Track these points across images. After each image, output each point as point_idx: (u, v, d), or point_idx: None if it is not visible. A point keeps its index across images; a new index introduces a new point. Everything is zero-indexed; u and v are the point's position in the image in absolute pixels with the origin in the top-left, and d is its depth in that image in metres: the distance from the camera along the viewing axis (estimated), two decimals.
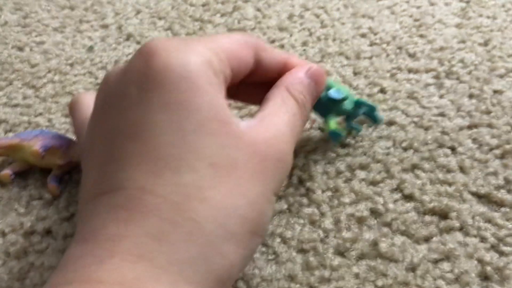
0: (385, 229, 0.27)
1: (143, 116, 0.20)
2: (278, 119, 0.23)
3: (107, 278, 0.17)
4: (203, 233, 0.19)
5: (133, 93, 0.20)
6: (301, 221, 0.28)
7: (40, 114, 0.35)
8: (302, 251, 0.27)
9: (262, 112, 0.23)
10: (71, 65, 0.40)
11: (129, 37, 0.42)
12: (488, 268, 0.25)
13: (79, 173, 0.31)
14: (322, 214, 0.28)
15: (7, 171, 0.31)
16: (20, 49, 0.41)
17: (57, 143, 0.30)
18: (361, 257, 0.26)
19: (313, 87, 0.26)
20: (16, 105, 0.36)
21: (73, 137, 0.32)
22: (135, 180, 0.19)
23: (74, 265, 0.18)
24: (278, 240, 0.27)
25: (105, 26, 0.44)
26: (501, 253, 0.26)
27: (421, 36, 0.41)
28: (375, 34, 0.41)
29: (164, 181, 0.19)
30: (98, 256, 0.18)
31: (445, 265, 0.25)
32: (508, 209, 0.28)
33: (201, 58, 0.21)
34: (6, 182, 0.31)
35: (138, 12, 0.45)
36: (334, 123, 0.30)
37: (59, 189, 0.30)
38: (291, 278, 0.25)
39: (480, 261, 0.25)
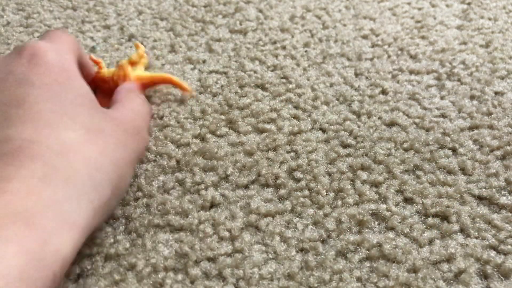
0: (389, 232, 0.27)
1: (27, 91, 0.25)
2: (133, 104, 0.31)
3: None
4: (77, 179, 0.23)
5: (18, 78, 0.26)
6: (305, 221, 0.28)
7: None
8: (302, 250, 0.27)
9: (117, 103, 0.30)
10: None
11: (131, 37, 0.42)
12: (488, 267, 0.25)
13: None
14: (325, 215, 0.28)
15: None
16: None
17: None
18: (363, 259, 0.26)
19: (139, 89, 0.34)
20: None
21: None
22: (22, 133, 0.23)
23: None
24: (278, 239, 0.27)
25: (107, 27, 0.44)
26: (502, 254, 0.26)
27: (423, 37, 0.41)
28: (377, 35, 0.41)
29: (47, 134, 0.24)
30: None
31: (445, 267, 0.26)
32: (509, 211, 0.28)
33: (72, 56, 0.29)
34: None
35: (140, 13, 0.45)
36: None
37: None
38: (290, 276, 0.25)
39: (479, 259, 0.26)
